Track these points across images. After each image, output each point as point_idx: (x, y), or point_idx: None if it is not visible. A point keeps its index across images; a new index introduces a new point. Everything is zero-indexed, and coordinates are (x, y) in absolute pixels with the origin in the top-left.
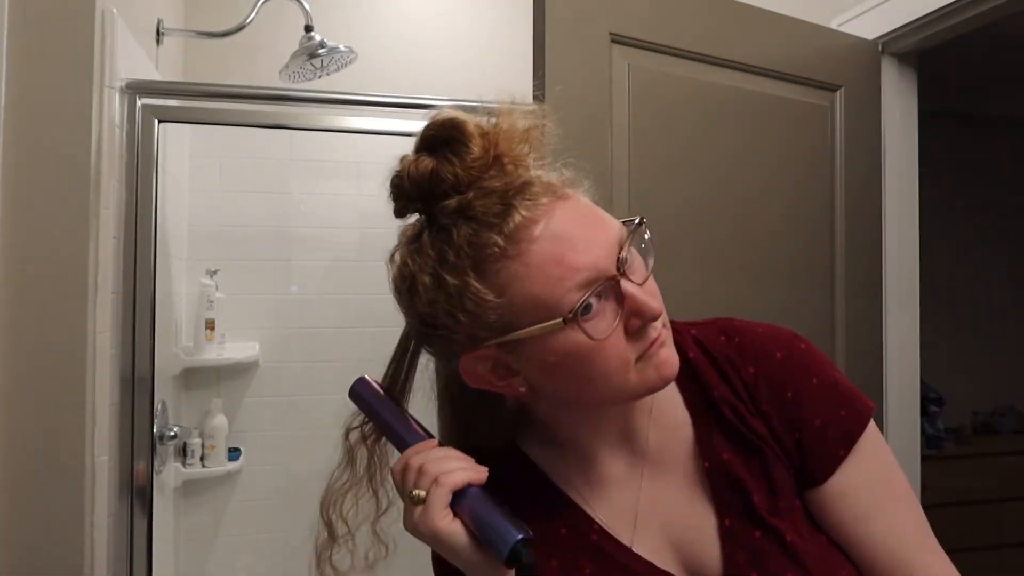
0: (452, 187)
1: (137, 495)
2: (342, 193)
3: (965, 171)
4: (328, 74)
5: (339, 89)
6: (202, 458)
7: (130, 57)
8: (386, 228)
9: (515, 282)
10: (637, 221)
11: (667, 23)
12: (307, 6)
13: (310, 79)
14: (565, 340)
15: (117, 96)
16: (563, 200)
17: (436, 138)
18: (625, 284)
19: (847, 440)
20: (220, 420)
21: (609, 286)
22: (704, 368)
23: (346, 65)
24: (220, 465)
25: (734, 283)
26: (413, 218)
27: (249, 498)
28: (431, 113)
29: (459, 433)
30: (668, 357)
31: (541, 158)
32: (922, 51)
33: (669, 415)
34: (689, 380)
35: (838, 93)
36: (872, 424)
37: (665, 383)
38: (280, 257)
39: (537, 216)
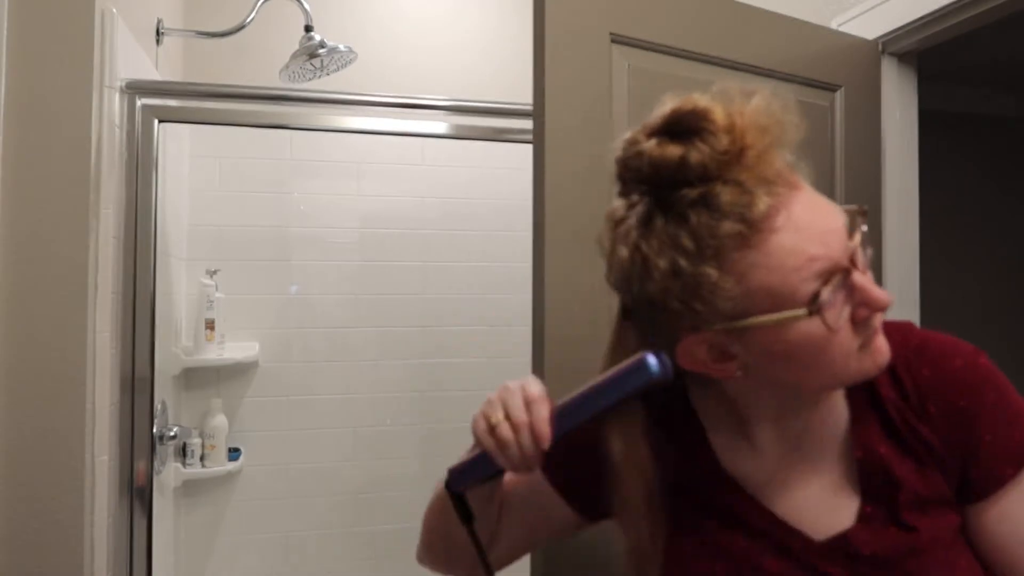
0: (698, 176)
1: (137, 495)
2: (342, 193)
3: (965, 171)
4: (328, 74)
5: (339, 89)
6: (202, 458)
7: (130, 57)
8: (386, 228)
9: (753, 271)
10: (860, 210)
11: (667, 23)
12: (307, 6)
13: (310, 79)
14: (799, 330)
15: (117, 96)
16: (798, 190)
17: (683, 125)
18: (856, 275)
19: (1018, 461)
20: (220, 420)
21: (842, 277)
22: (910, 364)
23: (346, 65)
24: (220, 465)
25: None
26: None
27: (249, 498)
28: (428, 113)
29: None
30: (883, 345)
31: (780, 148)
32: (922, 51)
33: (830, 405)
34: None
35: (838, 93)
36: None
37: (879, 370)
38: (280, 257)
39: (777, 206)
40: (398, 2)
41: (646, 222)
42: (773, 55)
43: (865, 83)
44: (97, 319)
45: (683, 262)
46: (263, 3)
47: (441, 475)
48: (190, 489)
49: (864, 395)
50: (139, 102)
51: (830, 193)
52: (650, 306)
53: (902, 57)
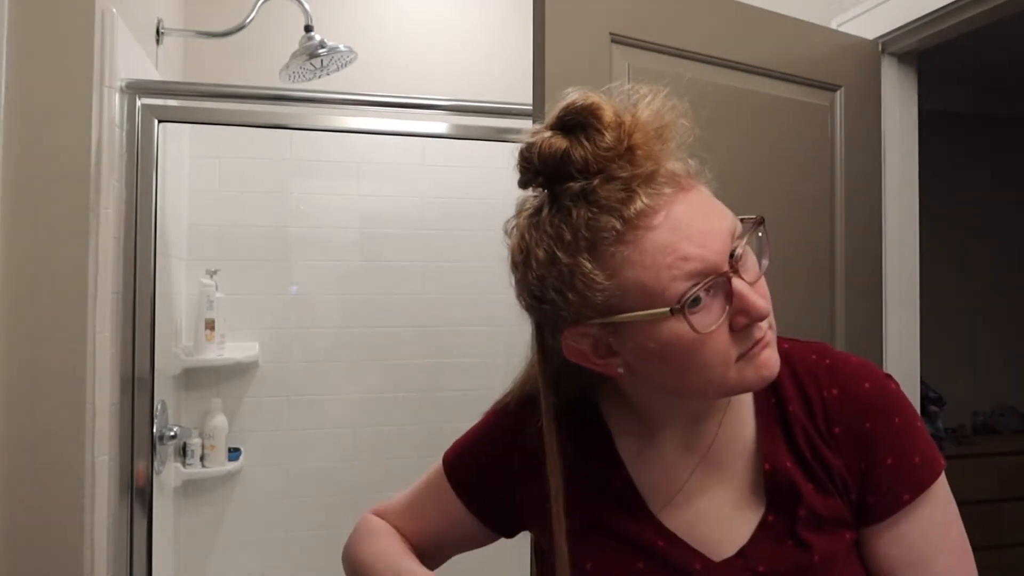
0: (579, 170)
1: (137, 495)
2: (342, 193)
3: (965, 171)
4: (328, 74)
5: (339, 89)
6: (202, 458)
7: (130, 57)
8: (386, 228)
9: (626, 267)
10: (756, 219)
11: (667, 23)
12: (307, 6)
13: (310, 79)
14: (669, 329)
15: (117, 96)
16: (685, 191)
17: (573, 120)
18: (736, 281)
19: (915, 487)
20: (220, 420)
21: (719, 281)
22: (785, 382)
23: (346, 65)
24: (220, 465)
25: None
26: (532, 191)
27: (249, 498)
28: (428, 113)
29: (545, 380)
30: (770, 359)
31: (671, 149)
32: (922, 51)
33: (736, 416)
34: (765, 389)
35: (838, 93)
36: (943, 480)
37: (763, 383)
38: (280, 257)
39: (658, 206)
40: (398, 2)
41: (535, 213)
42: (773, 55)
43: (865, 83)
44: (97, 319)
45: (560, 253)
46: (263, 3)
47: None
48: (190, 489)
49: (772, 409)
50: (139, 102)
51: (830, 193)
52: (531, 297)
53: (902, 57)
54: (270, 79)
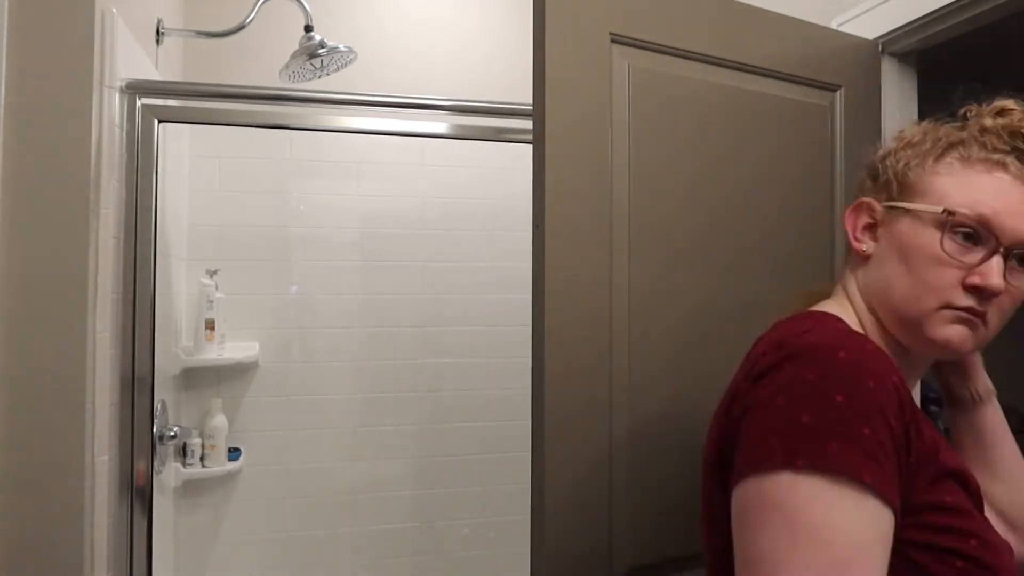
0: (1005, 124)
1: (137, 495)
2: (342, 193)
3: None
4: (328, 74)
5: (339, 89)
6: (202, 458)
7: (130, 57)
8: (386, 228)
9: (949, 175)
10: None
11: (667, 23)
12: (307, 6)
13: (310, 79)
14: (924, 235)
15: (117, 96)
16: None
17: None
18: (998, 259)
19: (758, 463)
20: (220, 420)
21: (991, 243)
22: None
23: (346, 65)
24: (220, 465)
25: (733, 282)
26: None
27: (249, 498)
28: (428, 113)
29: None
30: (963, 335)
31: None
32: (922, 51)
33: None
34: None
35: (838, 93)
36: (792, 484)
37: (942, 348)
38: (280, 257)
39: (1011, 173)
40: (398, 2)
41: (944, 120)
42: (773, 55)
43: (865, 83)
44: (97, 319)
45: (928, 142)
46: (263, 3)
47: (440, 473)
48: (190, 489)
49: None
50: (139, 102)
51: (830, 193)
52: (879, 165)
53: (902, 57)
54: (270, 79)
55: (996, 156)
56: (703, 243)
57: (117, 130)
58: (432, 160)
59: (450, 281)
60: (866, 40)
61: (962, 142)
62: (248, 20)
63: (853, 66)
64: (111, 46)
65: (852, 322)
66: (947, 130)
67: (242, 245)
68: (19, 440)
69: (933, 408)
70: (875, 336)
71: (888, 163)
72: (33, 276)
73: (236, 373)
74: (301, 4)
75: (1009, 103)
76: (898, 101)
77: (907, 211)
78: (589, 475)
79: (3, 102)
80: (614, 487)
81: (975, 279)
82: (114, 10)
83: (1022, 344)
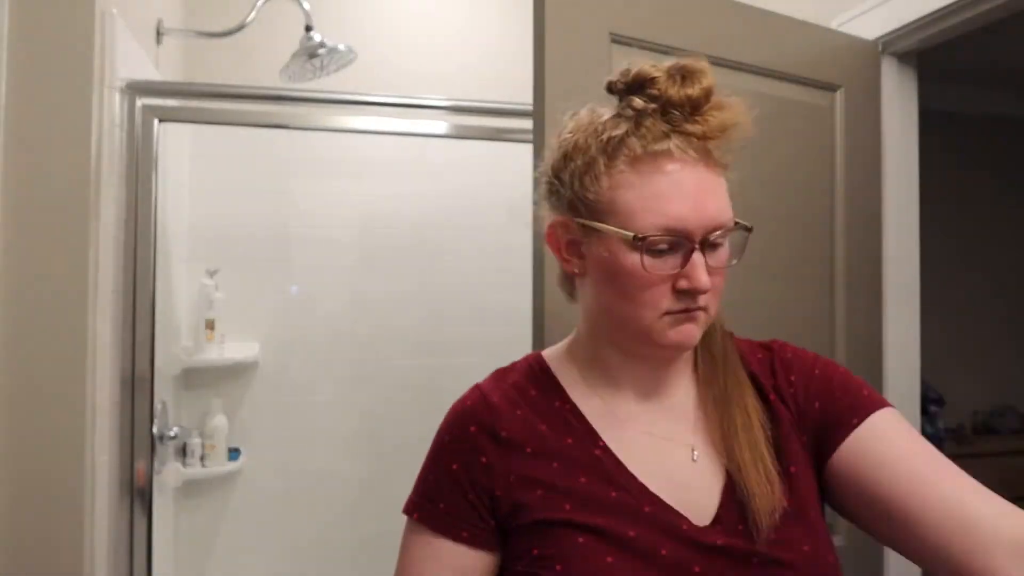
0: (653, 97)
1: (137, 495)
2: (342, 193)
3: (965, 171)
4: (328, 74)
5: (339, 89)
6: (202, 458)
7: (130, 57)
8: (386, 228)
9: (625, 187)
10: (745, 226)
11: (667, 23)
12: (307, 6)
13: (310, 79)
14: (625, 255)
15: (117, 96)
16: (706, 168)
17: (681, 71)
18: (696, 255)
19: (870, 406)
20: (220, 420)
21: (684, 246)
22: (744, 351)
23: (346, 65)
24: (220, 465)
25: (733, 282)
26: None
27: (249, 498)
28: (428, 113)
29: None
30: (690, 331)
31: (722, 141)
32: (922, 51)
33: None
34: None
35: (838, 93)
36: (894, 411)
37: (675, 349)
38: (280, 257)
39: (678, 159)
40: (398, 2)
41: (599, 113)
42: (773, 55)
43: (865, 83)
44: (97, 319)
45: (591, 145)
46: (263, 3)
47: None
48: (190, 489)
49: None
50: (139, 102)
51: (830, 193)
52: (554, 174)
53: (902, 57)
54: (270, 79)
55: (658, 145)
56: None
57: (117, 130)
58: (432, 160)
59: (450, 281)
60: (866, 40)
61: (623, 139)
62: (248, 20)
63: (853, 66)
64: (111, 46)
65: (557, 354)
66: (604, 123)
67: (242, 245)
68: (19, 440)
69: (933, 408)
70: (586, 359)
71: (564, 179)
72: (33, 276)
73: (236, 373)
74: (301, 4)
75: (646, 67)
76: (898, 101)
77: (599, 232)
78: None
79: (3, 102)
80: None
81: (683, 284)
82: (114, 10)
83: (1021, 345)
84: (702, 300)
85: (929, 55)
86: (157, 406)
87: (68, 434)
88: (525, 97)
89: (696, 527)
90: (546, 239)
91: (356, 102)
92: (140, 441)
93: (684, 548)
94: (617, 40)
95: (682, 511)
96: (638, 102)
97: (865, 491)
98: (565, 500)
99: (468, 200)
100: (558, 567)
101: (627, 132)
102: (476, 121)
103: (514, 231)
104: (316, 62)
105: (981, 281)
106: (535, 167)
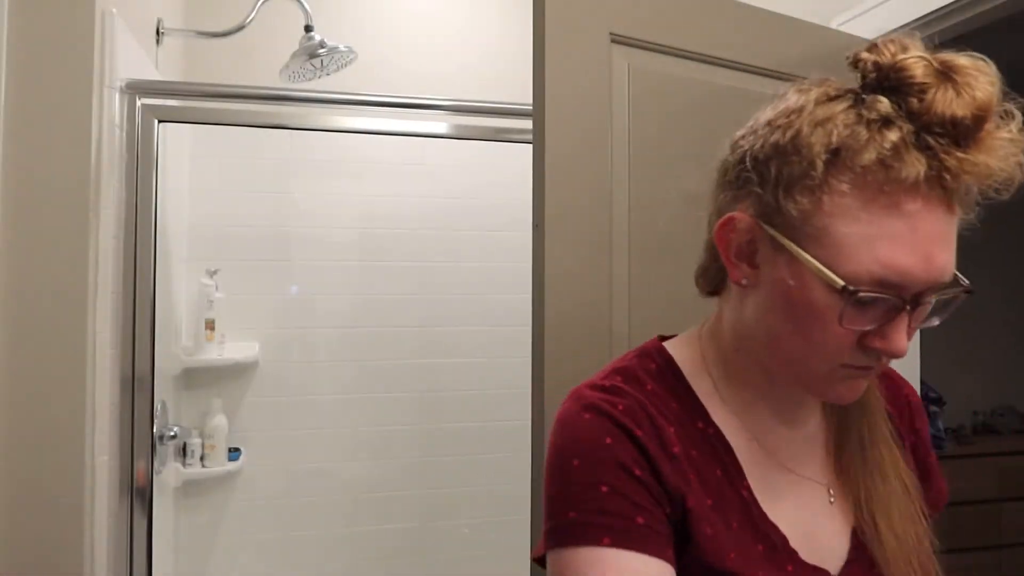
0: (913, 107)
1: (137, 495)
2: (342, 193)
3: None
4: (328, 74)
5: (339, 89)
6: (202, 458)
7: (130, 57)
8: (386, 228)
9: (846, 217)
10: (964, 288)
11: (667, 23)
12: (307, 6)
13: (310, 79)
14: (818, 291)
15: (117, 96)
16: (948, 213)
17: (954, 68)
18: (903, 317)
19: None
20: (220, 420)
21: (895, 306)
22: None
23: (346, 65)
24: (220, 465)
25: None
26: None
27: (249, 498)
28: (428, 113)
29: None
30: (860, 388)
31: (979, 181)
32: None
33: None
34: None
35: None
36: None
37: (838, 403)
38: (280, 257)
39: (924, 198)
40: (398, 2)
41: (828, 99)
42: (773, 55)
43: None
44: (97, 319)
45: (815, 142)
46: (263, 3)
47: (440, 473)
48: (190, 489)
49: None
50: (139, 102)
51: None
52: (753, 160)
53: None
54: (270, 79)
55: (905, 174)
56: (702, 240)
57: (117, 130)
58: (432, 160)
59: (450, 281)
60: (866, 40)
61: (859, 153)
62: (248, 20)
63: None
64: (111, 46)
65: (687, 356)
66: (836, 119)
67: (242, 245)
68: (19, 440)
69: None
70: (724, 369)
71: (766, 174)
72: (33, 276)
73: (236, 373)
74: (301, 4)
75: (911, 60)
76: None
77: (795, 255)
78: None
79: (3, 102)
80: None
81: (877, 344)
82: (114, 10)
83: (1021, 345)
84: (887, 360)
85: None
86: (157, 406)
87: (68, 434)
88: (525, 97)
89: None
90: (715, 233)
91: (356, 102)
92: (140, 441)
93: None
94: (617, 40)
95: (818, 563)
96: (886, 106)
97: None
98: (730, 548)
99: (468, 200)
100: None
101: (868, 145)
102: (476, 121)
103: (514, 231)
104: (316, 62)
105: (982, 281)
106: (536, 167)
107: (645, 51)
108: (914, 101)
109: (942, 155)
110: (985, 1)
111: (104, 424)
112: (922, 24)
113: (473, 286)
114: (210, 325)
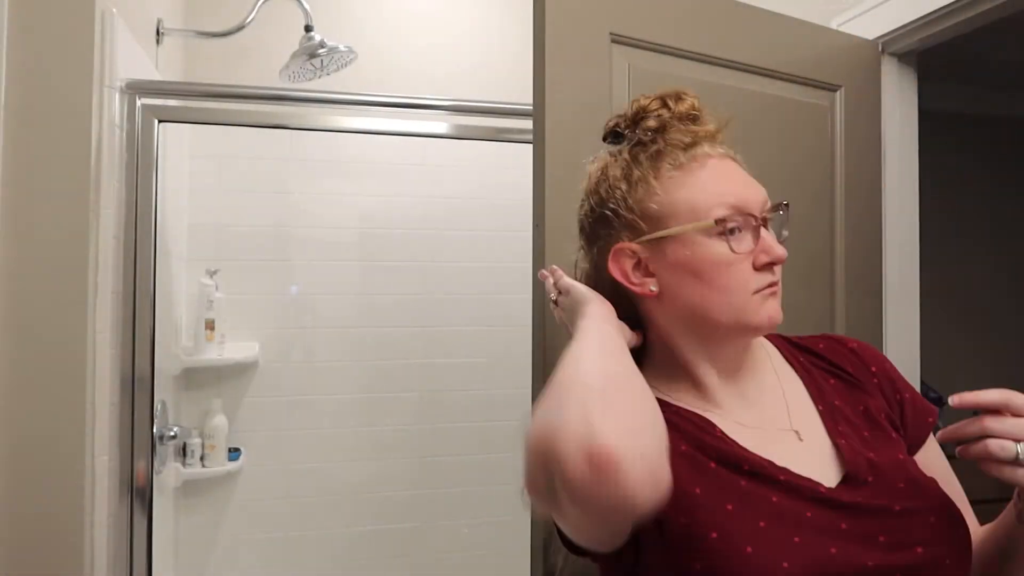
0: (655, 123)
1: (137, 495)
2: (342, 193)
3: (965, 171)
4: (328, 74)
5: (339, 89)
6: (202, 458)
7: (130, 57)
8: (386, 228)
9: (680, 188)
10: (783, 203)
11: (667, 23)
12: (307, 6)
13: (310, 79)
14: (706, 247)
15: (117, 96)
16: (733, 160)
17: (673, 91)
18: (763, 230)
19: (931, 411)
20: (220, 420)
21: (752, 222)
22: (810, 344)
23: (346, 65)
24: (220, 465)
25: None
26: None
27: (249, 498)
28: (428, 113)
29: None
30: (776, 308)
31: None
32: (922, 51)
33: (773, 371)
34: (793, 347)
35: (838, 93)
36: None
37: (770, 326)
38: (280, 257)
39: (714, 154)
40: (398, 2)
41: (616, 153)
42: (773, 55)
43: (865, 83)
44: (97, 319)
45: (633, 169)
46: (263, 3)
47: (440, 474)
48: (190, 489)
49: (809, 364)
50: (139, 102)
51: (830, 192)
52: (598, 215)
53: (902, 57)
54: (270, 79)
55: (695, 149)
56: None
57: (117, 130)
58: (432, 160)
59: (450, 281)
60: (866, 40)
61: (660, 152)
62: (248, 20)
63: (853, 66)
64: (111, 46)
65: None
66: (631, 151)
67: (242, 245)
68: (19, 440)
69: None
70: (670, 367)
71: (614, 207)
72: (33, 276)
73: (236, 373)
74: (301, 4)
75: (641, 101)
76: (898, 101)
77: (671, 237)
78: None
79: (3, 102)
80: None
81: (763, 258)
82: (114, 10)
83: (1022, 345)
84: (777, 273)
85: (929, 55)
86: (157, 406)
87: (68, 434)
88: (525, 97)
89: (831, 488)
90: (609, 268)
91: (356, 102)
92: (140, 441)
93: (826, 509)
94: (617, 40)
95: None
96: (652, 123)
97: None
98: (726, 500)
99: (468, 200)
100: (713, 534)
101: (661, 146)
102: (477, 121)
103: (514, 231)
104: (316, 62)
105: (982, 281)
106: (536, 167)
107: (645, 51)
108: (661, 113)
109: (697, 129)
110: (985, 1)
111: (104, 424)
112: (922, 24)
113: (473, 286)
114: (210, 325)
